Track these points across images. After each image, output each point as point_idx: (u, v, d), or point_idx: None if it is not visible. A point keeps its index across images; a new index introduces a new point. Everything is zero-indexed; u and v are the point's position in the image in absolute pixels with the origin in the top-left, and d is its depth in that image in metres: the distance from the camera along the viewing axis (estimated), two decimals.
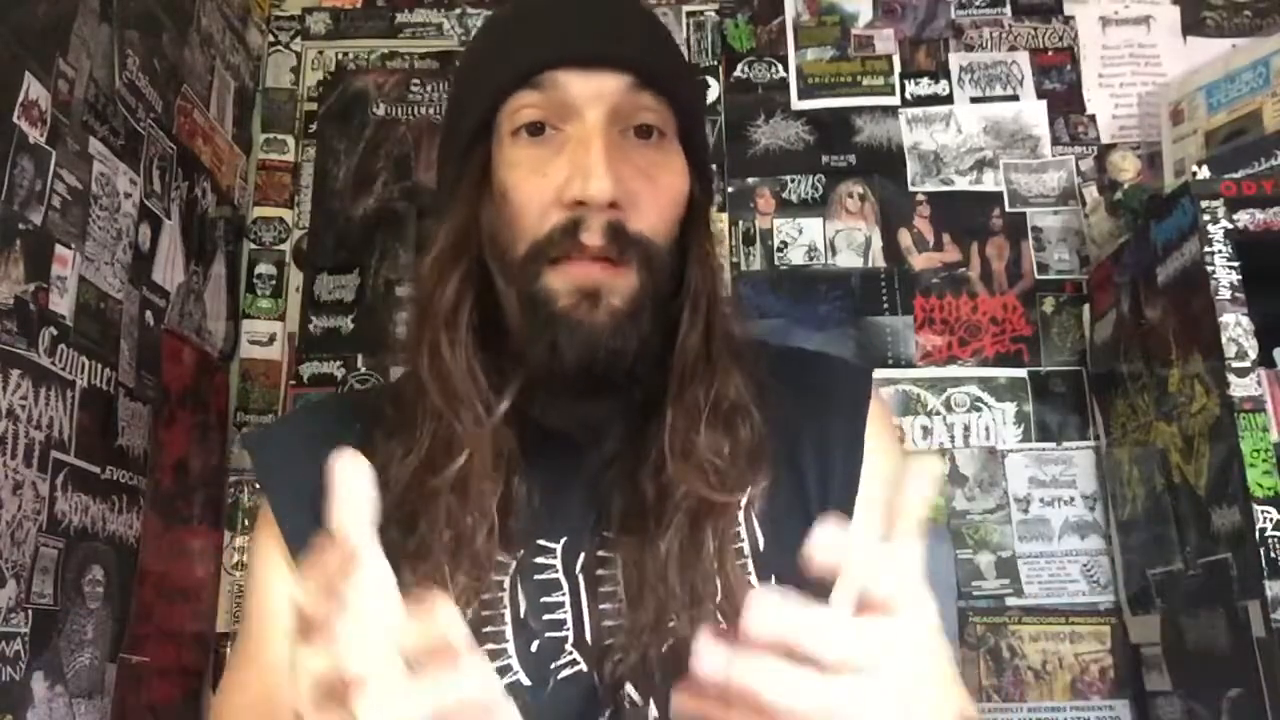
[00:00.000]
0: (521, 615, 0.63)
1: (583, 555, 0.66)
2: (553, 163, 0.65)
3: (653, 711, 0.62)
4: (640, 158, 0.66)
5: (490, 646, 0.62)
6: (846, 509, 0.68)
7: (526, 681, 0.62)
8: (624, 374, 0.65)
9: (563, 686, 0.63)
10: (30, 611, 1.08)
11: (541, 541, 0.66)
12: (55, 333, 1.15)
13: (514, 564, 0.64)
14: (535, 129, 0.66)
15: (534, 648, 0.63)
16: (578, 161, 0.63)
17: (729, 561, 0.65)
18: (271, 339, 1.71)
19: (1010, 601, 1.56)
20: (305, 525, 0.67)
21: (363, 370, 1.69)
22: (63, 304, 1.17)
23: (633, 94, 0.66)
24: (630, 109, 0.66)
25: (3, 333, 1.06)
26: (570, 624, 0.64)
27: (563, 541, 0.66)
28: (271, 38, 1.86)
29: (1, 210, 1.06)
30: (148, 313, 1.38)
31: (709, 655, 0.42)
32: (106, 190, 1.27)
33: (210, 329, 1.59)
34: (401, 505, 0.63)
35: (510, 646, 0.63)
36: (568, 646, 0.64)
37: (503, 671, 0.62)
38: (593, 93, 0.65)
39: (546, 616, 0.64)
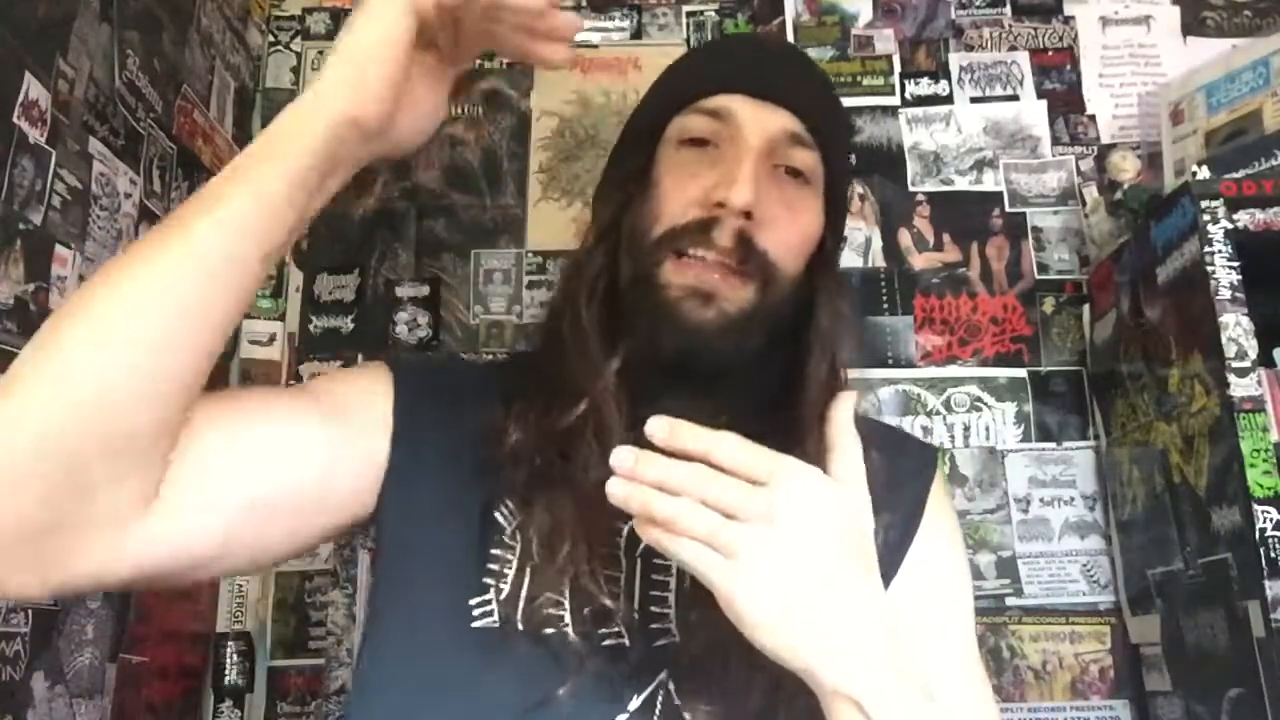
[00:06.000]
0: (582, 579, 0.66)
1: (643, 542, 0.69)
2: (706, 170, 0.72)
3: (688, 705, 0.65)
4: (785, 192, 0.73)
5: (550, 595, 0.66)
6: (891, 571, 0.71)
7: (573, 636, 0.65)
8: (722, 377, 0.70)
9: (605, 654, 0.66)
10: (30, 611, 1.08)
11: (612, 520, 0.69)
12: None
13: (581, 535, 0.68)
14: (699, 142, 0.74)
15: (586, 610, 0.66)
16: (726, 171, 0.70)
17: None
18: (271, 339, 1.70)
19: (1010, 601, 1.56)
20: (418, 452, 0.71)
21: None
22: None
23: (792, 136, 0.74)
24: (787, 149, 0.74)
25: (3, 333, 1.06)
26: (622, 600, 0.68)
27: (629, 525, 0.69)
28: (271, 38, 1.86)
29: (1, 210, 1.06)
30: None
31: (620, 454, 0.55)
32: (106, 190, 1.27)
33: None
34: (547, 448, 0.69)
35: (566, 602, 0.66)
36: (616, 619, 0.67)
37: (554, 620, 0.65)
38: (756, 121, 0.73)
39: (603, 586, 0.67)
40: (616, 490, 0.55)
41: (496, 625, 0.66)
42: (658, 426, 0.56)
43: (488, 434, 0.70)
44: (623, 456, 0.55)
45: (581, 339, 0.72)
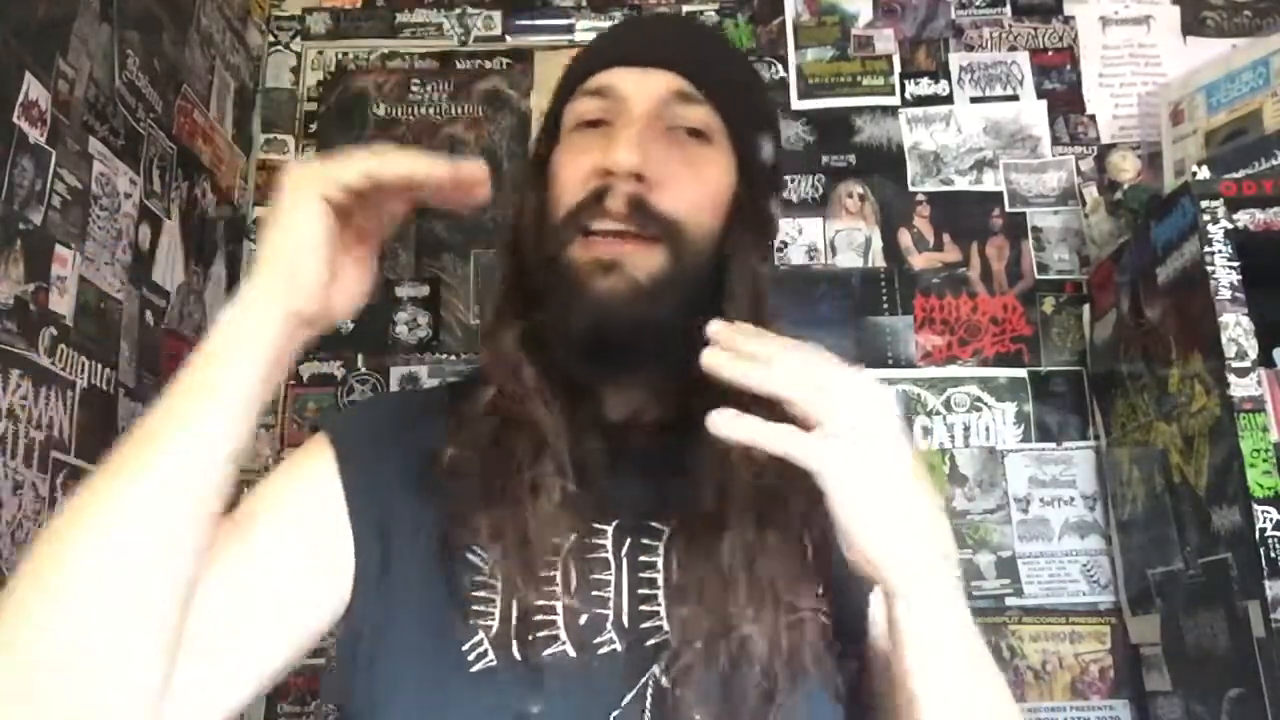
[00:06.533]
0: (572, 590, 0.66)
1: (629, 541, 0.69)
2: (597, 145, 0.71)
3: (682, 699, 0.64)
4: (685, 151, 0.72)
5: (540, 617, 0.65)
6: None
7: (571, 653, 0.65)
8: (639, 348, 0.69)
9: (601, 663, 0.65)
10: None
11: (595, 524, 0.69)
12: (55, 333, 1.15)
13: (568, 543, 0.67)
14: (593, 124, 0.73)
15: (581, 621, 0.65)
16: (612, 140, 0.70)
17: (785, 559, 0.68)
18: None
19: (1010, 601, 1.57)
20: (364, 473, 0.71)
21: (363, 370, 1.69)
22: (63, 304, 1.17)
23: (679, 94, 0.72)
24: (675, 108, 0.72)
25: (3, 333, 1.06)
26: (612, 604, 0.67)
27: (614, 525, 0.69)
28: (271, 38, 1.86)
29: (1, 210, 1.06)
30: (148, 312, 1.38)
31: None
32: (106, 190, 1.27)
33: (211, 329, 1.59)
34: (479, 451, 0.69)
35: (559, 619, 0.66)
36: (608, 625, 0.66)
37: (549, 640, 0.65)
38: (639, 88, 0.72)
39: (594, 593, 0.67)
40: (713, 359, 0.59)
41: (495, 665, 0.65)
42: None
43: (432, 465, 0.70)
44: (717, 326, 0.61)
45: (499, 329, 0.72)
